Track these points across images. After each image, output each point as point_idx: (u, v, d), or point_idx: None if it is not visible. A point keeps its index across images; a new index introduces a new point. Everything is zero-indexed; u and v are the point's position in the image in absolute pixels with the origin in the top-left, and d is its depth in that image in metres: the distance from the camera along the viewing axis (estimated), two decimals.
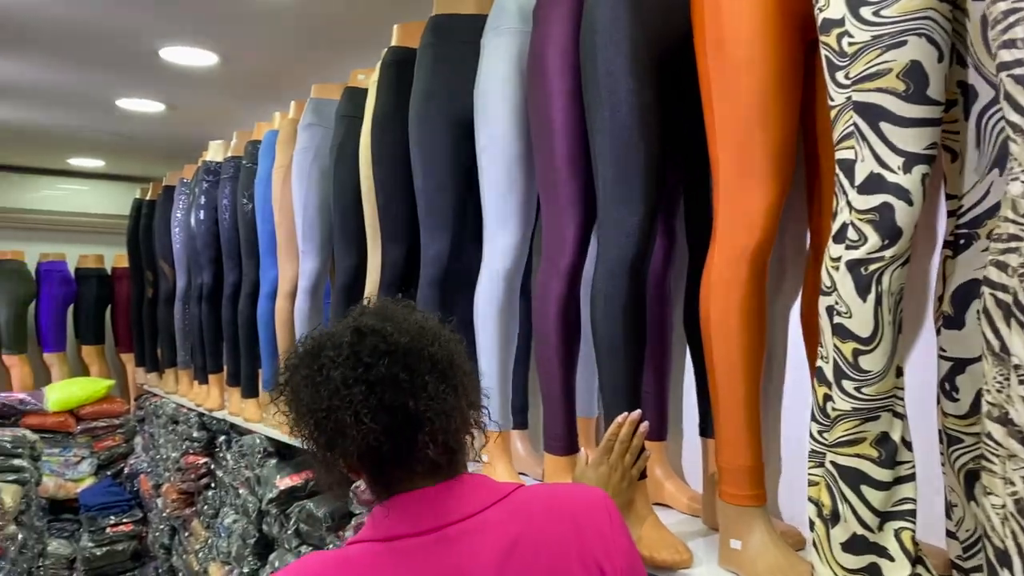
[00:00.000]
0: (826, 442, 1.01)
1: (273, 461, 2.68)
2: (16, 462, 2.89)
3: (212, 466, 3.42)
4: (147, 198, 4.37)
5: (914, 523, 0.98)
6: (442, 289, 1.80)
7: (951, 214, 1.04)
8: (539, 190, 1.54)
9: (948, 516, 1.04)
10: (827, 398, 1.01)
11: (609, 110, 1.32)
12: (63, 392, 4.25)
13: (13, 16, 2.79)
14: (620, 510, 1.00)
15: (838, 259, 1.00)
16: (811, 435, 1.04)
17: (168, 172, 4.08)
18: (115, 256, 5.01)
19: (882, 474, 0.97)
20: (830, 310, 1.01)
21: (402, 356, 0.87)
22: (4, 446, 2.88)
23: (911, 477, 0.99)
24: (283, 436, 2.57)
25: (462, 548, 0.86)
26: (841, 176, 1.01)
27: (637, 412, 1.25)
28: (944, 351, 1.03)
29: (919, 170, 0.95)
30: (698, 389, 1.51)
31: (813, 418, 1.04)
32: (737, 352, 1.16)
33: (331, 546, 2.19)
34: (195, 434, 3.50)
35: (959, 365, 1.01)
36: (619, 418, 1.24)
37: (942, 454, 1.03)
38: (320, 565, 0.87)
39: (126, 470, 4.41)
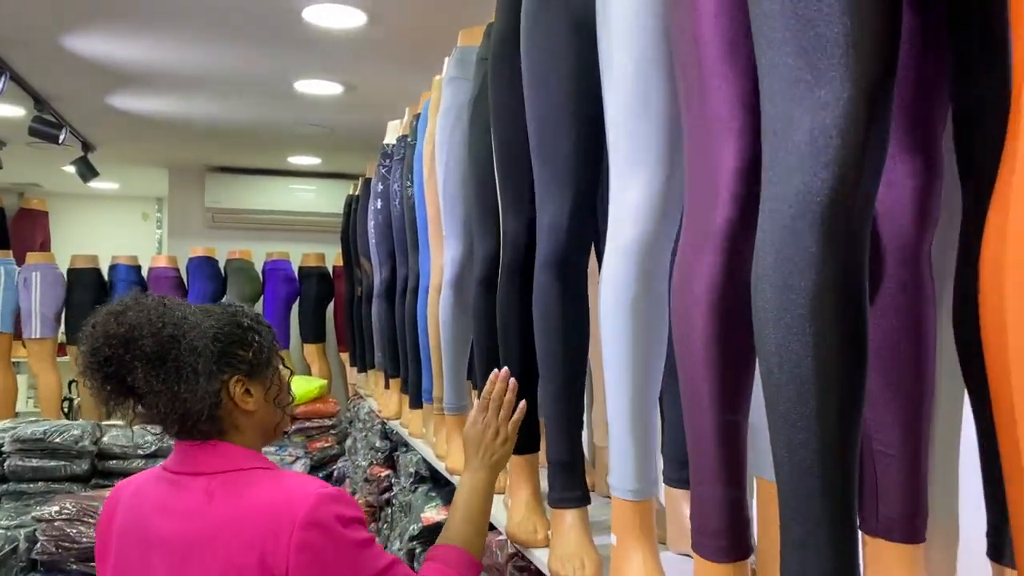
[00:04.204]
0: None
1: (424, 487, 2.25)
2: None
3: (393, 480, 3.10)
4: (356, 193, 4.23)
5: None
6: (560, 274, 1.22)
7: None
8: (681, 107, 0.91)
9: None
10: None
11: None
12: None
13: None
14: (501, 463, 1.32)
15: None
16: None
17: (370, 164, 3.88)
18: (335, 254, 4.97)
19: None
20: None
21: (122, 342, 1.06)
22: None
23: None
24: (436, 461, 2.14)
25: (183, 494, 1.08)
26: None
27: (506, 370, 1.32)
28: None
29: None
30: (982, 459, 0.79)
31: None
32: None
33: None
34: (378, 443, 3.21)
35: None
36: (492, 375, 1.32)
37: None
38: (145, 472, 1.20)
39: (335, 473, 4.29)
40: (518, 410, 1.32)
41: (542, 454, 1.45)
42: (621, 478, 1.06)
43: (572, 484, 1.24)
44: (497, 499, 1.69)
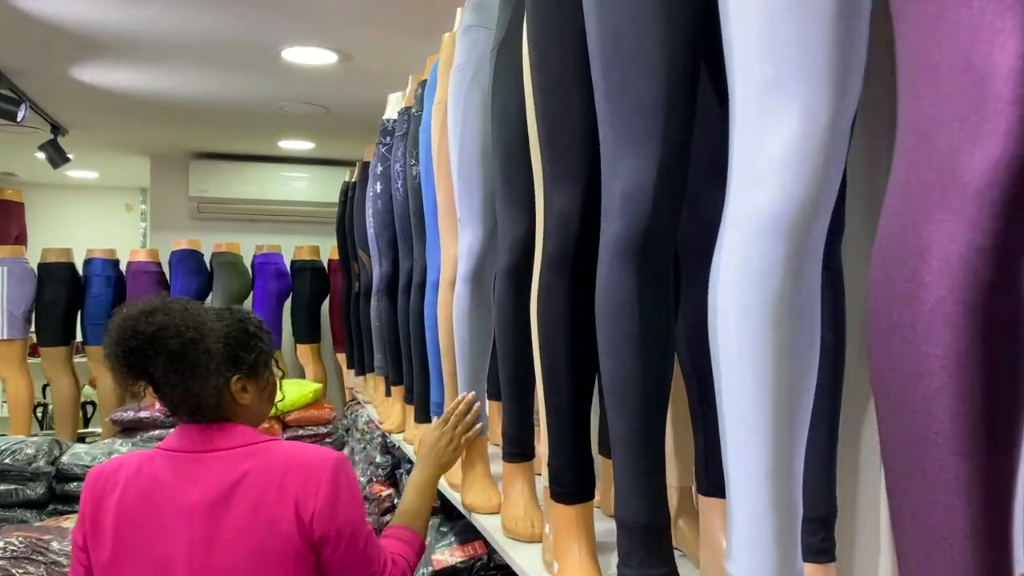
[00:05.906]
0: None
1: (435, 521, 1.90)
2: None
3: (396, 501, 2.75)
4: (353, 180, 3.86)
5: None
6: (641, 261, 0.87)
7: None
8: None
9: None
10: None
11: None
12: None
13: None
14: (448, 466, 1.56)
15: None
16: None
17: (368, 148, 3.51)
18: (331, 247, 4.61)
19: None
20: None
21: (148, 339, 1.20)
22: None
23: None
24: (449, 491, 1.78)
25: (205, 467, 1.21)
26: None
27: (472, 394, 1.59)
28: None
29: None
30: None
31: None
32: None
33: None
34: (378, 458, 2.86)
35: None
36: (460, 396, 1.60)
37: None
38: (129, 456, 1.29)
39: None
40: (473, 430, 1.57)
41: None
42: (755, 564, 0.70)
43: (656, 558, 0.88)
44: (532, 549, 1.34)
